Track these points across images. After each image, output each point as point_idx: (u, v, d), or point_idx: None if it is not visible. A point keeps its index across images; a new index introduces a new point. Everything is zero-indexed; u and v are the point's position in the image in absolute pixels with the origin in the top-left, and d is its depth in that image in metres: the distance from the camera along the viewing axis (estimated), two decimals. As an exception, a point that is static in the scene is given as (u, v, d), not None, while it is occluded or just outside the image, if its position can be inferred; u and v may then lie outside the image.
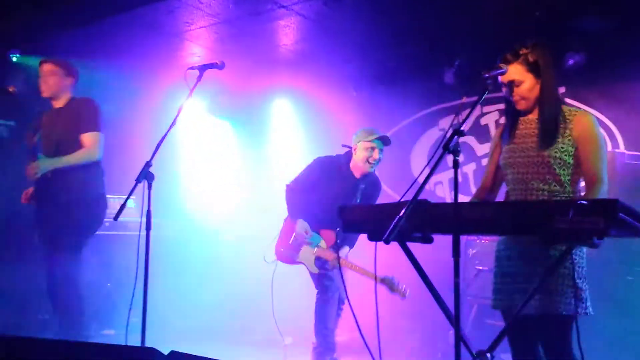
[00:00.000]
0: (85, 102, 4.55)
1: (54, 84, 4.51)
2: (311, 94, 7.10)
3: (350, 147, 4.74)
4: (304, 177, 4.83)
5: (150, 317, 3.15)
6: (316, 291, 4.72)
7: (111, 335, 5.74)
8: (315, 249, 4.67)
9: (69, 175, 4.37)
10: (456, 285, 2.30)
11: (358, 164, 4.66)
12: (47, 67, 4.52)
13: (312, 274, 4.73)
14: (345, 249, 4.69)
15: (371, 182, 4.78)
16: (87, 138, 4.43)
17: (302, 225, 4.67)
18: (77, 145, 4.40)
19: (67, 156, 4.37)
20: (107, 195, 4.81)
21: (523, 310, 2.59)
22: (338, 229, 4.45)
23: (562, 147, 2.81)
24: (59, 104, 4.58)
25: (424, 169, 2.47)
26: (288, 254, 4.81)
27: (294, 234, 4.74)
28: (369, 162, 4.62)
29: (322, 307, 4.65)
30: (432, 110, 6.68)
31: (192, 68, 3.50)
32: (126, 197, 3.21)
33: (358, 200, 4.66)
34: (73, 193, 4.38)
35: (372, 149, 4.60)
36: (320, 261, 4.67)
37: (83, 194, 4.42)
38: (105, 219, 4.69)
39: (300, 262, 4.77)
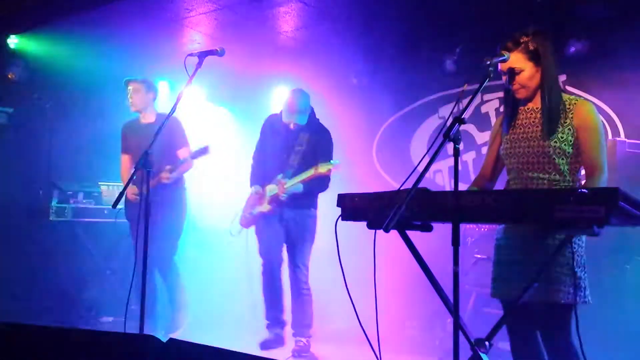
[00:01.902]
0: (173, 119, 5.03)
1: (138, 100, 5.24)
2: (311, 82, 7.07)
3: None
4: (259, 140, 5.28)
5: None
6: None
7: (109, 322, 5.76)
8: (267, 197, 5.02)
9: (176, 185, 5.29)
10: (455, 273, 2.30)
11: (285, 116, 5.05)
12: (131, 86, 5.26)
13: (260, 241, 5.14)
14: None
15: (314, 131, 5.04)
16: (184, 152, 5.21)
17: (254, 189, 5.11)
18: (174, 159, 5.14)
19: (179, 168, 5.16)
20: (106, 183, 5.02)
21: (522, 298, 2.59)
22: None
23: (562, 137, 2.80)
24: (147, 119, 5.31)
25: (424, 157, 2.45)
26: (248, 216, 5.15)
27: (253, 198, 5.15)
28: (289, 112, 5.00)
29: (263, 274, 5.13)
30: (433, 98, 6.65)
31: (191, 55, 3.48)
32: (125, 184, 3.20)
33: (302, 148, 4.95)
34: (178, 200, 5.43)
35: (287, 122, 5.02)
36: (272, 199, 4.98)
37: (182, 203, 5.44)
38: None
39: (258, 213, 5.08)
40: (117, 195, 3.23)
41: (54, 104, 6.49)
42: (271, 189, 4.97)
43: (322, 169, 4.71)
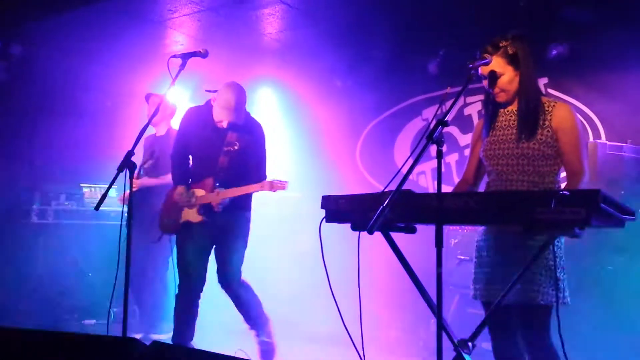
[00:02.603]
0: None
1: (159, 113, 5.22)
2: (295, 84, 7.07)
3: (214, 92, 4.50)
4: (178, 136, 4.62)
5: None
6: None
7: (92, 325, 5.71)
8: (194, 200, 4.44)
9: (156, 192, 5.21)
10: (438, 275, 2.31)
11: (218, 113, 4.41)
12: (152, 99, 5.50)
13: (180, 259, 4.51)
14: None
15: (245, 129, 4.50)
16: None
17: (178, 190, 4.50)
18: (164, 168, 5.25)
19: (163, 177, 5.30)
20: (88, 185, 4.97)
21: (503, 300, 2.61)
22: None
23: (542, 139, 2.83)
24: (160, 131, 5.52)
25: (408, 159, 2.47)
26: (172, 222, 4.56)
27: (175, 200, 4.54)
28: (219, 124, 4.42)
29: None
30: (416, 101, 6.68)
31: (175, 56, 3.47)
32: (107, 186, 3.18)
33: (232, 149, 4.43)
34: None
35: (220, 120, 4.42)
36: (203, 207, 4.44)
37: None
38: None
39: (184, 221, 4.50)
40: (99, 197, 3.21)
41: (36, 105, 6.43)
42: (201, 194, 4.44)
43: (269, 187, 4.32)
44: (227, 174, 4.44)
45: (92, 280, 6.00)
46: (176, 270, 4.51)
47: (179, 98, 7.30)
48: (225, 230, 4.44)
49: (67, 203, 6.03)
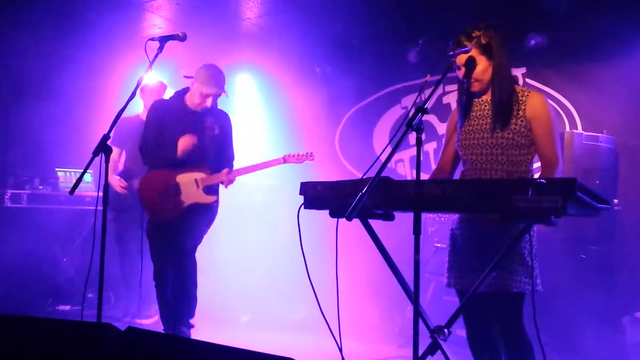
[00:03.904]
0: None
1: (148, 101, 5.25)
2: (274, 70, 7.03)
3: (192, 77, 4.46)
4: (150, 129, 4.47)
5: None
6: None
7: (66, 310, 5.66)
8: (199, 181, 4.39)
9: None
10: (416, 262, 2.32)
11: (192, 101, 4.41)
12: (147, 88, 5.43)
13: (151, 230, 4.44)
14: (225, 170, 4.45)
15: (218, 115, 4.55)
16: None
17: (186, 176, 4.40)
18: None
19: None
20: (63, 169, 4.88)
21: (477, 289, 2.63)
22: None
23: (516, 128, 2.85)
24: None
25: (387, 146, 2.47)
26: (172, 208, 4.38)
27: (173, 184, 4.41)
28: (199, 106, 4.40)
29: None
30: (395, 88, 6.69)
31: (152, 39, 3.42)
32: (82, 170, 3.13)
33: (214, 132, 4.44)
34: None
35: (207, 97, 4.37)
36: (211, 188, 4.43)
37: None
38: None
39: (190, 204, 4.39)
40: (74, 182, 3.16)
41: (10, 89, 6.32)
42: (201, 177, 4.39)
43: (293, 160, 4.38)
44: (216, 157, 4.46)
45: (67, 265, 5.94)
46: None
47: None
48: (192, 216, 4.39)
49: (41, 187, 5.94)
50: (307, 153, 4.48)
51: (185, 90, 4.52)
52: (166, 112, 4.49)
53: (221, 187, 4.52)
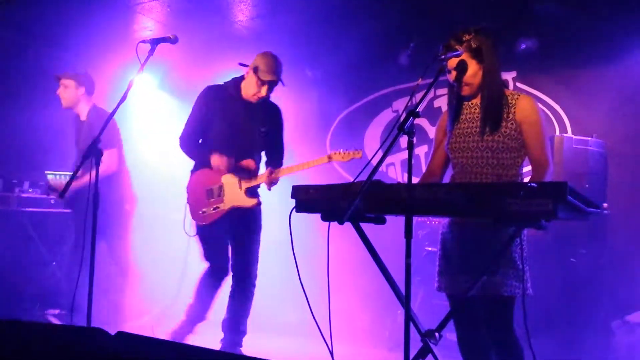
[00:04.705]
0: (102, 117, 4.49)
1: (68, 96, 4.99)
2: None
3: (247, 66, 4.28)
4: (195, 116, 4.28)
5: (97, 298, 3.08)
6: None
7: (55, 315, 5.62)
8: (242, 182, 4.16)
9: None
10: (408, 265, 2.32)
11: (247, 91, 4.23)
12: (61, 82, 5.00)
13: (205, 241, 4.27)
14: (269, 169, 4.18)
15: (274, 110, 4.40)
16: (105, 154, 4.54)
17: (218, 159, 4.14)
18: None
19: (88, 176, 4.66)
20: (53, 172, 4.86)
21: (468, 293, 2.63)
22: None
23: (506, 132, 2.86)
24: (82, 116, 5.03)
25: (378, 150, 2.47)
26: (212, 210, 4.21)
27: (211, 183, 4.23)
28: (254, 96, 4.21)
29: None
30: (386, 92, 6.69)
31: (144, 42, 3.40)
32: (72, 173, 3.12)
33: (263, 129, 4.25)
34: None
35: (262, 84, 4.18)
36: (251, 190, 4.20)
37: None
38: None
39: (231, 208, 4.18)
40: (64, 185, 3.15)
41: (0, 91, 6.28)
42: (245, 178, 4.17)
43: (339, 157, 4.07)
44: (266, 155, 4.31)
45: (55, 269, 5.89)
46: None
47: (147, 85, 7.22)
48: (240, 220, 4.21)
49: (30, 190, 5.90)
50: (354, 150, 4.13)
51: (241, 79, 4.31)
52: (215, 100, 4.26)
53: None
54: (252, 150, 4.25)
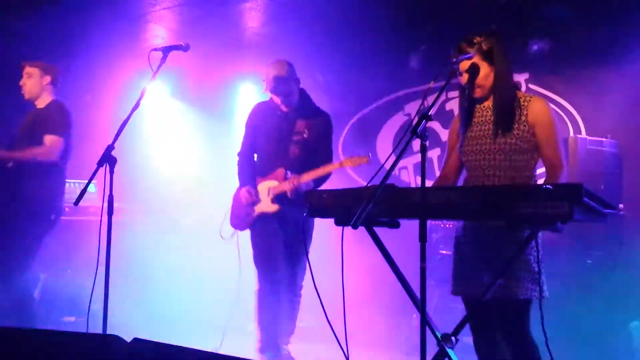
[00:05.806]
0: (59, 105, 4.66)
1: (31, 85, 4.72)
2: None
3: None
4: (246, 133, 4.61)
5: (112, 306, 3.09)
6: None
7: (72, 322, 5.64)
8: (270, 190, 4.36)
9: (27, 172, 4.52)
10: (422, 269, 2.31)
11: (274, 100, 4.44)
12: (25, 70, 4.73)
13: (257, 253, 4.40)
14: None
15: (312, 116, 4.49)
16: (49, 139, 4.53)
17: (246, 191, 4.40)
18: (38, 144, 4.51)
19: (24, 151, 4.52)
20: (67, 180, 4.83)
21: (483, 296, 2.61)
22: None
23: (518, 134, 2.85)
24: (40, 104, 4.74)
25: (391, 154, 2.46)
26: (243, 217, 4.47)
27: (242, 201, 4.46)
28: (282, 105, 4.40)
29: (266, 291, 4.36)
30: (398, 95, 6.69)
31: (155, 49, 3.42)
32: (87, 181, 3.13)
33: (301, 137, 4.38)
34: (26, 191, 4.52)
35: (270, 90, 4.39)
36: (278, 198, 4.34)
37: (35, 197, 4.57)
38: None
39: (259, 214, 4.40)
40: (78, 193, 3.16)
41: (12, 100, 6.32)
42: (272, 186, 4.35)
43: (349, 163, 4.20)
44: (299, 163, 4.37)
45: (71, 276, 5.92)
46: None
47: (160, 92, 7.25)
48: (292, 228, 4.33)
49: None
50: (360, 155, 4.24)
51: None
52: (257, 116, 4.56)
53: None
54: (285, 159, 4.39)
